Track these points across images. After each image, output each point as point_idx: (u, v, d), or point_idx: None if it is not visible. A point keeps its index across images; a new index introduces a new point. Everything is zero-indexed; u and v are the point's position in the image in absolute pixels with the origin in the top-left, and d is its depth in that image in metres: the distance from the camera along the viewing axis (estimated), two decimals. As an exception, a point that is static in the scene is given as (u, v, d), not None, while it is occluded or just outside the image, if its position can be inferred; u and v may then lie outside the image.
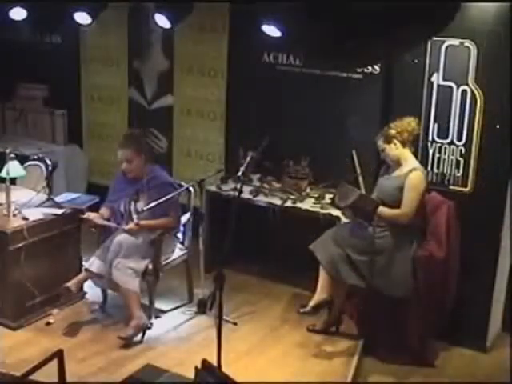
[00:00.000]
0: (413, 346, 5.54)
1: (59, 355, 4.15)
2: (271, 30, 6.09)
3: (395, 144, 5.47)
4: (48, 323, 5.85)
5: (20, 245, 5.67)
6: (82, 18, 7.08)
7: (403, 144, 5.48)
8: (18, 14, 7.15)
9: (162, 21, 6.75)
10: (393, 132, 5.46)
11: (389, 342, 5.57)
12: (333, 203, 5.79)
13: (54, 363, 4.12)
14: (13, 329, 5.76)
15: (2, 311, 5.80)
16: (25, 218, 5.81)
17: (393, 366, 5.52)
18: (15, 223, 5.75)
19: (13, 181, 6.12)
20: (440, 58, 5.70)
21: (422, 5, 4.87)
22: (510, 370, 4.59)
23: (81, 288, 6.03)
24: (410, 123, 5.49)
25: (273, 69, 6.82)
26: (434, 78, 5.79)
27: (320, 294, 5.64)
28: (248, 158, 5.75)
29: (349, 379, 5.22)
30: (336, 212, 5.94)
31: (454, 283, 5.49)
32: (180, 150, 7.66)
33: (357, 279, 5.52)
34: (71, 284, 5.76)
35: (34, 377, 4.01)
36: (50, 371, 4.12)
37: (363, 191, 5.65)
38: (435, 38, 5.65)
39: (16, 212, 5.89)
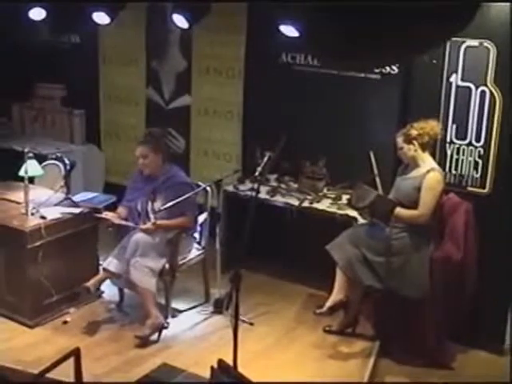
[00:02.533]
0: (429, 347, 5.51)
1: (76, 354, 4.16)
2: (289, 31, 6.07)
3: (414, 145, 5.43)
4: (65, 322, 5.87)
5: (38, 243, 5.70)
6: (100, 18, 7.10)
7: (422, 147, 5.44)
8: (37, 14, 7.18)
9: (179, 21, 6.76)
10: (414, 133, 5.42)
11: (405, 344, 5.55)
12: (350, 204, 5.77)
13: (71, 361, 4.14)
14: (30, 327, 5.79)
15: (20, 309, 5.83)
16: (43, 217, 5.84)
17: (409, 367, 5.50)
18: (33, 222, 5.78)
19: (31, 180, 6.16)
20: (459, 58, 5.67)
21: (441, 5, 4.84)
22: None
23: (98, 287, 6.03)
24: (433, 127, 5.46)
25: (290, 69, 6.82)
26: (452, 79, 5.76)
27: (336, 295, 5.63)
28: (265, 159, 5.74)
29: (365, 380, 5.21)
30: (353, 213, 5.93)
31: (471, 285, 5.45)
32: (197, 149, 7.67)
33: (373, 280, 5.50)
34: (90, 284, 5.78)
35: (50, 375, 4.03)
36: (67, 369, 4.14)
37: (380, 192, 5.62)
38: (454, 39, 5.62)
39: (34, 211, 5.92)
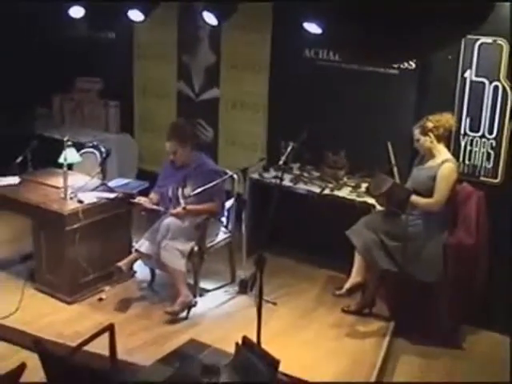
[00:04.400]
0: (441, 328, 5.51)
1: (110, 329, 4.21)
2: (312, 28, 6.06)
3: (430, 137, 5.41)
4: (100, 299, 5.91)
5: (75, 226, 5.74)
6: (135, 15, 7.12)
7: (438, 138, 5.42)
8: (76, 12, 7.23)
9: (209, 18, 6.77)
10: (430, 125, 5.40)
11: (419, 324, 5.55)
12: (368, 191, 5.77)
13: (106, 336, 4.19)
14: (68, 303, 5.85)
15: (59, 287, 5.89)
16: (80, 201, 5.87)
17: (422, 346, 5.51)
18: (71, 206, 5.82)
19: (70, 166, 6.20)
20: (473, 55, 5.65)
21: (456, 5, 4.83)
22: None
23: (131, 267, 6.07)
24: (448, 120, 5.44)
25: (313, 64, 6.80)
26: (467, 74, 5.73)
27: (355, 278, 5.63)
28: (289, 148, 5.73)
29: (380, 358, 5.20)
30: (371, 200, 5.91)
31: (482, 269, 5.44)
32: (225, 139, 7.68)
33: (390, 264, 5.50)
34: (123, 264, 5.81)
35: (87, 348, 4.08)
36: (102, 343, 4.18)
37: (397, 181, 5.61)
38: (469, 36, 5.60)
39: (72, 195, 5.94)
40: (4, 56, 7.38)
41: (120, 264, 5.79)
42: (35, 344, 4.11)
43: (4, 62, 7.36)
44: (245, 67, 7.31)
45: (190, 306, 5.73)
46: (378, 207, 5.80)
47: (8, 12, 7.37)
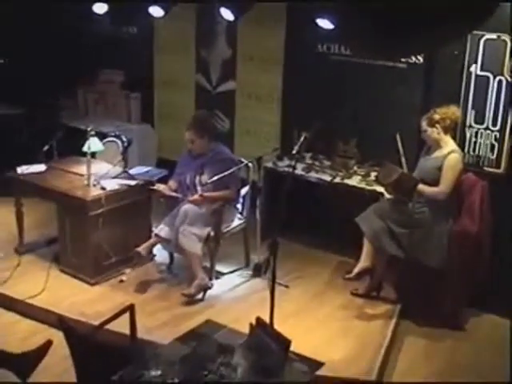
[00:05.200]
0: (445, 311, 5.52)
1: (131, 309, 4.23)
2: (324, 23, 6.04)
3: (437, 128, 5.40)
4: (121, 281, 5.95)
5: (98, 211, 5.77)
6: (155, 11, 7.12)
7: (444, 130, 5.41)
8: (100, 8, 7.24)
9: (226, 14, 6.76)
10: (437, 117, 5.39)
11: (424, 307, 5.56)
12: (377, 180, 5.77)
13: (126, 316, 4.22)
14: (91, 284, 5.89)
15: (83, 269, 5.93)
16: (103, 188, 5.90)
17: (426, 328, 5.52)
18: (94, 192, 5.85)
19: (93, 155, 6.23)
20: (478, 50, 5.63)
21: (463, 2, 4.80)
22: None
23: (151, 251, 6.10)
24: (454, 112, 5.43)
25: (325, 58, 6.79)
26: (472, 69, 5.72)
27: (363, 262, 5.63)
28: (301, 138, 5.73)
29: (387, 339, 5.22)
30: (380, 188, 5.91)
31: (485, 255, 5.43)
32: (241, 129, 7.68)
33: (397, 250, 5.51)
34: (142, 248, 5.83)
35: (108, 326, 4.11)
36: (123, 323, 4.22)
37: (405, 170, 5.61)
38: (475, 32, 5.58)
39: (95, 182, 5.98)
40: (33, 51, 7.41)
41: (139, 249, 5.82)
42: (60, 322, 4.16)
43: (33, 56, 7.39)
44: (260, 61, 7.30)
45: (206, 289, 5.76)
46: (387, 195, 5.80)
47: (38, 11, 7.41)
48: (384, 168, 5.66)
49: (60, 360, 4.52)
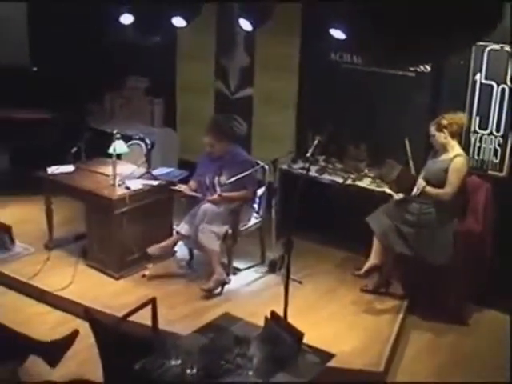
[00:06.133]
0: (450, 306, 5.51)
1: (153, 302, 4.26)
2: (337, 34, 6.03)
3: (444, 133, 5.39)
4: (144, 275, 5.96)
5: (123, 210, 5.80)
6: (178, 22, 7.12)
7: (451, 135, 5.39)
8: (126, 19, 7.26)
9: (245, 24, 6.75)
10: (445, 122, 5.38)
11: (429, 303, 5.56)
12: (380, 178, 5.77)
13: (149, 308, 4.24)
14: (116, 278, 5.93)
15: (108, 264, 5.97)
16: (127, 188, 5.93)
17: (432, 323, 5.51)
18: (119, 192, 5.88)
19: (118, 156, 6.25)
20: (483, 60, 5.63)
21: (468, 15, 4.80)
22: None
23: (172, 247, 6.13)
24: (461, 118, 5.43)
25: (338, 66, 6.77)
26: (477, 78, 5.71)
27: (372, 260, 5.64)
28: (315, 142, 5.72)
29: (394, 333, 5.22)
30: (389, 190, 5.88)
31: (488, 254, 5.42)
32: (258, 133, 7.67)
33: (404, 248, 5.50)
34: (158, 247, 5.89)
35: (132, 318, 4.13)
36: (145, 315, 4.24)
37: (413, 172, 5.59)
38: (479, 43, 5.56)
39: (120, 182, 6.01)
40: (63, 60, 7.46)
41: (150, 249, 5.86)
42: (86, 314, 4.20)
43: (63, 64, 7.44)
44: (276, 68, 7.29)
45: (223, 284, 5.78)
46: (395, 196, 5.78)
47: (69, 22, 7.46)
48: (386, 165, 5.64)
49: (86, 348, 4.56)
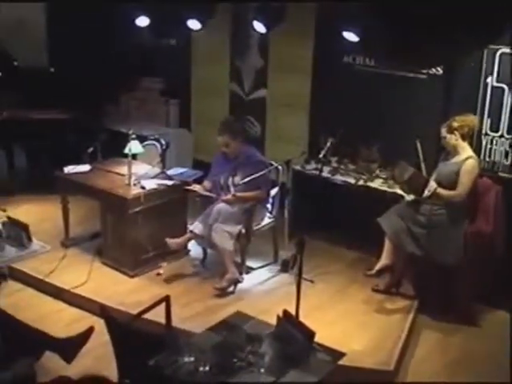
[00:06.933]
0: (460, 307, 5.49)
1: (167, 300, 4.27)
2: (350, 36, 6.07)
3: (455, 135, 5.37)
4: (158, 274, 5.98)
5: (138, 209, 5.82)
6: (193, 24, 7.18)
7: (462, 137, 5.37)
8: (142, 21, 7.32)
9: (259, 27, 6.80)
10: (456, 125, 5.35)
11: (440, 303, 5.54)
12: (393, 179, 5.76)
13: (162, 306, 4.26)
14: (130, 276, 5.95)
15: (123, 262, 5.99)
16: (142, 187, 5.95)
17: (442, 323, 5.49)
18: (134, 191, 5.90)
19: (134, 156, 6.26)
20: (494, 63, 5.62)
21: (480, 19, 4.81)
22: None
23: (185, 246, 6.16)
24: (472, 120, 5.40)
25: (351, 68, 6.78)
26: (488, 80, 5.70)
27: (384, 260, 5.62)
28: (328, 143, 5.74)
29: (404, 332, 5.22)
30: (400, 191, 5.88)
31: (498, 255, 5.36)
32: (271, 134, 7.70)
33: (415, 248, 5.48)
34: (174, 241, 5.89)
35: (146, 316, 4.15)
36: (159, 312, 4.26)
37: (425, 174, 5.58)
38: (491, 46, 5.56)
39: (135, 182, 6.02)
40: (80, 62, 7.50)
41: (170, 240, 5.86)
42: (101, 311, 4.23)
43: (80, 66, 7.48)
44: (290, 70, 7.31)
45: (236, 282, 5.79)
46: (407, 197, 5.77)
47: (85, 25, 7.51)
48: (398, 167, 5.63)
49: (101, 345, 4.57)
